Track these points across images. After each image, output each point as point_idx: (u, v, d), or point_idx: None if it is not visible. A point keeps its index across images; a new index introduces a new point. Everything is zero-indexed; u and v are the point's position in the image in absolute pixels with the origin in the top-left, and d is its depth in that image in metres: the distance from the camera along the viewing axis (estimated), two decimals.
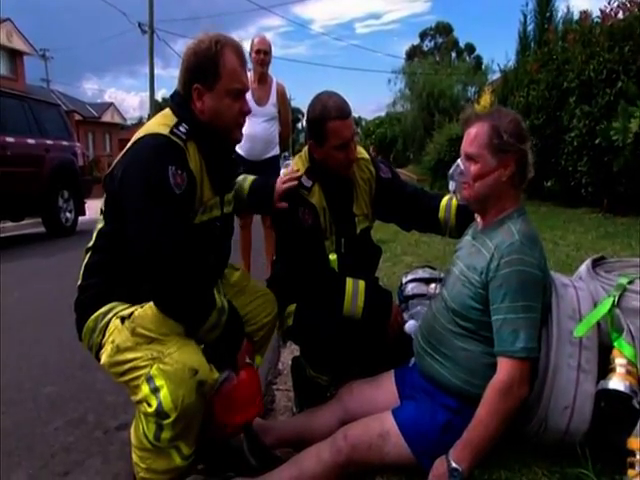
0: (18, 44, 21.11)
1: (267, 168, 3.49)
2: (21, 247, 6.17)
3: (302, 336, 1.61)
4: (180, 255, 1.18)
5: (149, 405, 1.14)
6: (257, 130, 3.45)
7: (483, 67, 23.81)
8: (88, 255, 1.34)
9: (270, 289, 1.72)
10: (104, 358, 1.23)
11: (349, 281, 1.56)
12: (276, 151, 3.69)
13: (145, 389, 1.14)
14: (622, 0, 5.88)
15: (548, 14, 9.17)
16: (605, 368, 1.23)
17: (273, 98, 3.54)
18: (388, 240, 4.56)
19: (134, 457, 1.25)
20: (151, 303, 1.21)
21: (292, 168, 1.66)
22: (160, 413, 1.13)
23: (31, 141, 6.33)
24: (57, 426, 1.81)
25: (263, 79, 3.49)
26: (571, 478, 1.20)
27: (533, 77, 7.17)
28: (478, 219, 1.42)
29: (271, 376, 2.20)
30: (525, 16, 9.69)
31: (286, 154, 6.45)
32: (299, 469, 1.31)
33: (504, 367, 1.20)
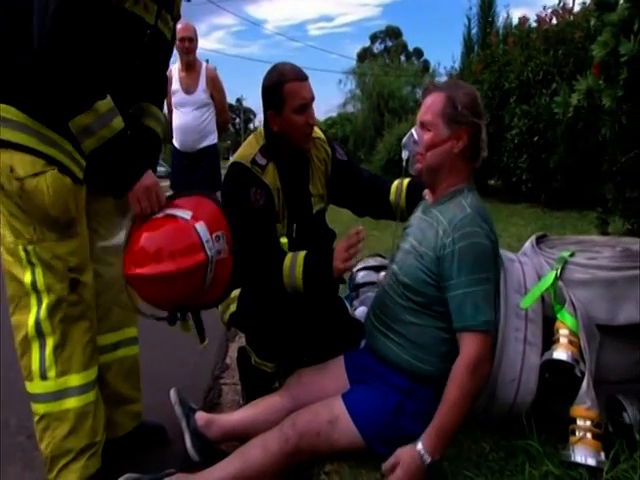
0: None
1: (202, 158, 3.35)
2: None
3: (245, 318, 1.52)
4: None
5: (24, 276, 1.16)
6: (188, 119, 3.29)
7: (430, 70, 24.57)
8: None
9: None
10: None
11: (288, 255, 1.48)
12: (212, 140, 3.47)
13: (21, 252, 1.16)
14: (555, 7, 6.23)
15: (490, 19, 9.59)
16: (549, 340, 1.25)
17: (202, 84, 3.36)
18: (339, 233, 4.54)
19: (42, 446, 1.23)
20: (41, 183, 1.12)
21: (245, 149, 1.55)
22: (35, 288, 1.16)
23: None
24: None
25: (191, 66, 3.34)
26: (518, 450, 1.21)
27: (477, 77, 7.43)
28: (427, 196, 1.41)
29: (218, 370, 2.12)
30: (469, 20, 10.10)
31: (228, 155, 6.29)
32: (244, 461, 1.23)
33: (469, 343, 1.15)
